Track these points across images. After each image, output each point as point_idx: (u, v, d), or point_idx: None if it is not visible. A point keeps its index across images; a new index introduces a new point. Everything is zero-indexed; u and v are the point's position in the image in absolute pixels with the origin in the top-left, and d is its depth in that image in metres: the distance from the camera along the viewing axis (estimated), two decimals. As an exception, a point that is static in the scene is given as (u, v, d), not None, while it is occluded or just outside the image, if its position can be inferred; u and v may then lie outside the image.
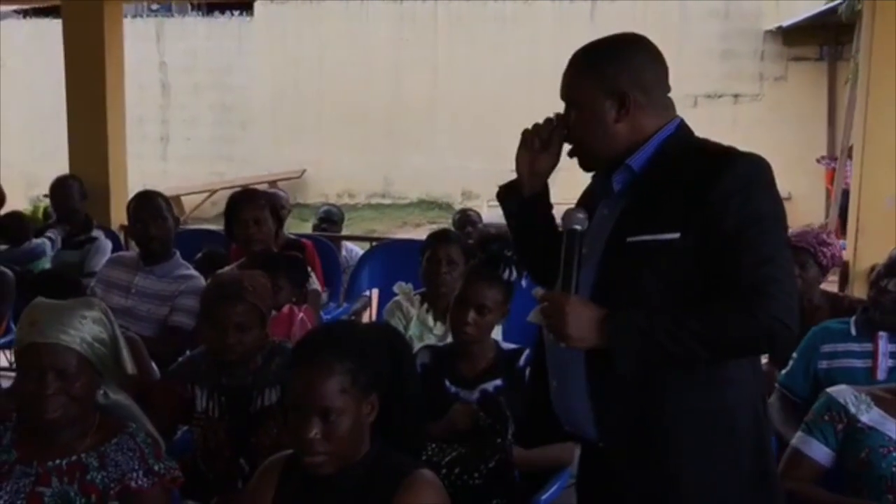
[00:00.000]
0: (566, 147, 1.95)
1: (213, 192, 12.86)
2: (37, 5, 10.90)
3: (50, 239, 5.10)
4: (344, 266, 5.13)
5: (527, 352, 2.76)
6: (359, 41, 13.27)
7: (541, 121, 1.98)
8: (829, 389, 2.49)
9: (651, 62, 1.85)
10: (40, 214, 8.01)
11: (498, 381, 2.69)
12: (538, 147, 1.96)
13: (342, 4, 13.20)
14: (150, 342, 3.34)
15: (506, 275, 2.74)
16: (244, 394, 2.62)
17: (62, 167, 6.04)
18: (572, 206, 1.88)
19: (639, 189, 1.82)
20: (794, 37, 12.19)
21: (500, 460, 2.51)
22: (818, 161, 11.48)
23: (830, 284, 4.34)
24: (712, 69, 12.22)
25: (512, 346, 2.83)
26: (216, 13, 14.20)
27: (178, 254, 3.83)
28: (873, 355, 2.84)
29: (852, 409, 2.40)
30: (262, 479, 1.96)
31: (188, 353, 3.04)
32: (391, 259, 4.73)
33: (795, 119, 12.03)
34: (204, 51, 14.02)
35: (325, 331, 2.07)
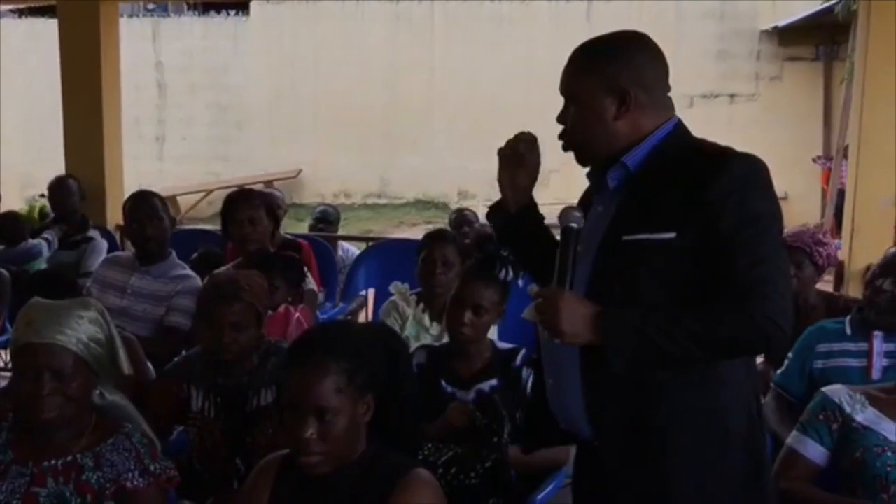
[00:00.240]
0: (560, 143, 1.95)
1: (210, 191, 12.86)
2: (32, 4, 10.89)
3: (46, 240, 5.10)
4: (340, 266, 5.13)
5: (523, 351, 2.77)
6: (355, 41, 13.27)
7: (529, 130, 2.00)
8: (824, 389, 2.50)
9: (652, 61, 1.85)
10: (36, 214, 8.00)
11: (494, 381, 2.70)
12: (515, 163, 1.96)
13: (338, 4, 13.19)
14: (146, 342, 3.34)
15: (502, 275, 2.74)
16: (240, 394, 2.62)
17: (58, 167, 6.04)
18: (568, 204, 1.88)
19: (634, 187, 1.82)
20: (789, 37, 12.22)
21: (496, 460, 2.52)
22: (814, 161, 11.51)
23: (826, 284, 4.36)
24: (708, 69, 12.25)
25: (508, 345, 2.83)
26: (212, 13, 14.18)
27: (174, 254, 3.83)
28: (868, 355, 2.84)
29: (847, 409, 2.40)
30: (258, 478, 1.96)
31: (184, 353, 3.04)
32: (387, 259, 4.73)
33: (791, 119, 12.06)
34: (200, 50, 14.01)
35: (320, 330, 2.07)
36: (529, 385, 2.69)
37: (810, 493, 2.38)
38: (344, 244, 5.77)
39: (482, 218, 6.84)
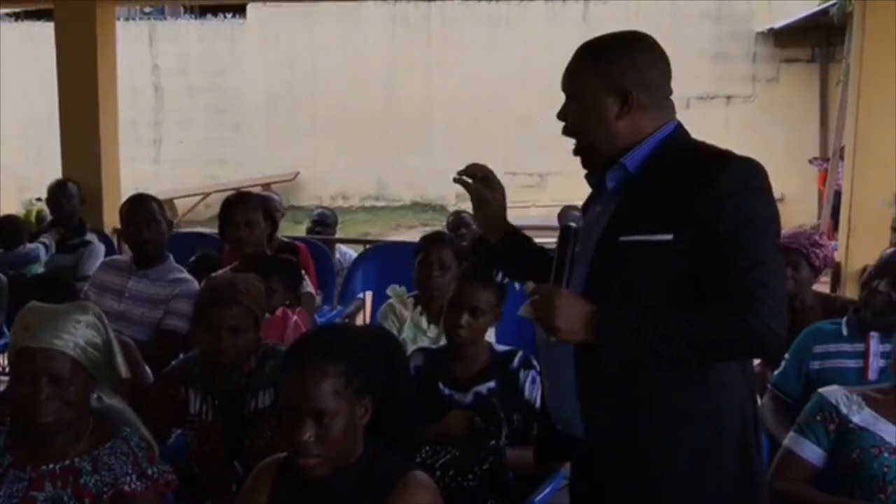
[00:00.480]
0: (569, 143, 1.95)
1: (207, 194, 12.85)
2: (29, 8, 10.88)
3: (44, 244, 5.10)
4: (338, 269, 5.13)
5: (520, 353, 2.77)
6: (352, 43, 13.27)
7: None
8: (820, 390, 2.50)
9: (656, 62, 1.85)
10: (33, 218, 7.99)
11: (491, 384, 2.70)
12: (479, 205, 2.01)
13: (335, 6, 13.18)
14: (143, 346, 3.34)
15: (499, 277, 2.75)
16: (238, 396, 2.62)
17: (55, 171, 6.04)
18: (567, 204, 1.88)
19: (633, 188, 1.82)
20: (785, 38, 12.24)
21: (494, 462, 2.52)
22: (810, 162, 11.53)
23: (823, 285, 4.36)
24: (704, 71, 12.26)
25: (505, 347, 2.84)
26: (209, 16, 14.17)
27: (171, 257, 3.83)
28: (865, 356, 2.85)
29: (844, 410, 2.41)
30: (256, 481, 1.97)
31: (182, 356, 3.04)
32: (385, 262, 4.73)
33: (787, 120, 12.08)
34: (197, 53, 14.00)
35: (318, 333, 2.08)
36: (527, 389, 2.70)
37: (807, 494, 2.39)
38: (341, 247, 5.77)
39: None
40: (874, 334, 2.86)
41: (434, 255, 3.46)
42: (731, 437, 1.81)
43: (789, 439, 2.47)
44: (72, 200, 5.31)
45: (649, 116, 1.84)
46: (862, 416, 2.39)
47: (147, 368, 3.20)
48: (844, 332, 2.92)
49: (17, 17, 13.62)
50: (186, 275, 3.80)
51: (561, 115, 1.90)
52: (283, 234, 4.74)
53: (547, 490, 2.60)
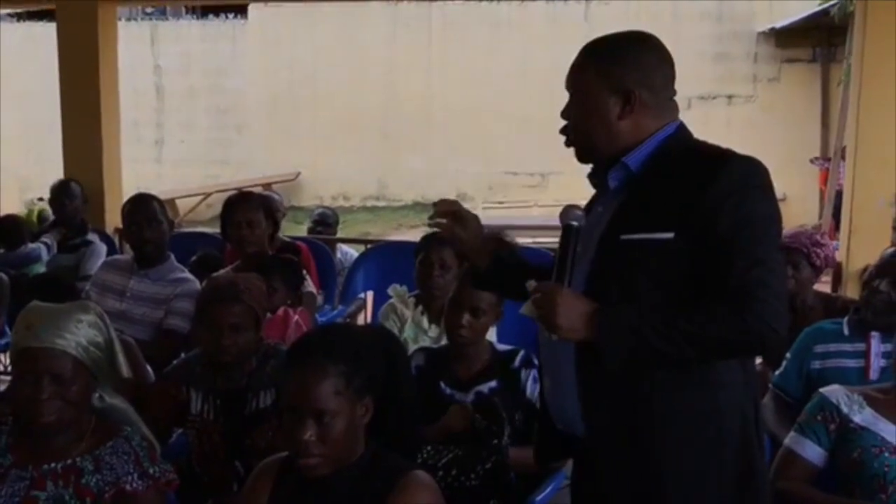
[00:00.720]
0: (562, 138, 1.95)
1: (208, 195, 12.85)
2: (31, 8, 10.89)
3: (46, 243, 5.10)
4: (339, 268, 5.14)
5: (521, 353, 2.77)
6: (353, 44, 13.27)
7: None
8: (821, 389, 2.50)
9: (660, 63, 1.86)
10: (35, 218, 8.00)
11: (493, 383, 2.71)
12: (455, 239, 2.03)
13: (336, 7, 13.18)
14: (145, 345, 3.35)
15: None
16: (239, 396, 2.62)
17: (57, 171, 6.04)
18: (569, 203, 1.89)
19: (635, 188, 1.83)
20: (786, 38, 12.24)
21: (496, 462, 2.52)
22: (812, 162, 11.52)
23: (824, 285, 4.36)
24: (706, 71, 12.26)
25: (507, 347, 2.84)
26: (210, 16, 14.18)
27: (172, 257, 3.84)
28: (866, 355, 2.85)
29: (845, 409, 2.41)
30: (257, 481, 1.97)
31: (183, 355, 3.04)
32: (386, 261, 4.73)
33: (789, 120, 12.08)
34: (198, 54, 14.01)
35: (319, 333, 2.08)
36: (528, 388, 2.70)
37: (808, 494, 2.39)
38: (343, 247, 5.77)
39: (481, 220, 6.84)
40: (875, 334, 2.86)
41: (434, 255, 3.46)
42: (732, 437, 1.81)
43: (790, 439, 2.47)
44: (74, 200, 5.32)
45: (652, 116, 1.84)
46: (863, 415, 2.39)
47: (148, 368, 3.20)
48: (845, 331, 2.92)
49: (18, 17, 13.63)
50: (188, 274, 3.81)
51: (564, 114, 1.91)
52: (284, 234, 4.75)
53: (548, 489, 2.60)
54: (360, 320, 4.81)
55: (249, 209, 3.93)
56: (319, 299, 4.35)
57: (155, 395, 2.73)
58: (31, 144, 12.90)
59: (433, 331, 3.42)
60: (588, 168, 1.97)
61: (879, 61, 4.70)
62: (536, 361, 2.56)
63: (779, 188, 1.84)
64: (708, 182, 1.72)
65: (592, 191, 2.00)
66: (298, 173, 13.55)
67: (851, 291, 4.52)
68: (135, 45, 12.73)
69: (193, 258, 4.37)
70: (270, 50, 13.77)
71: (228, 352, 2.61)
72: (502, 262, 2.09)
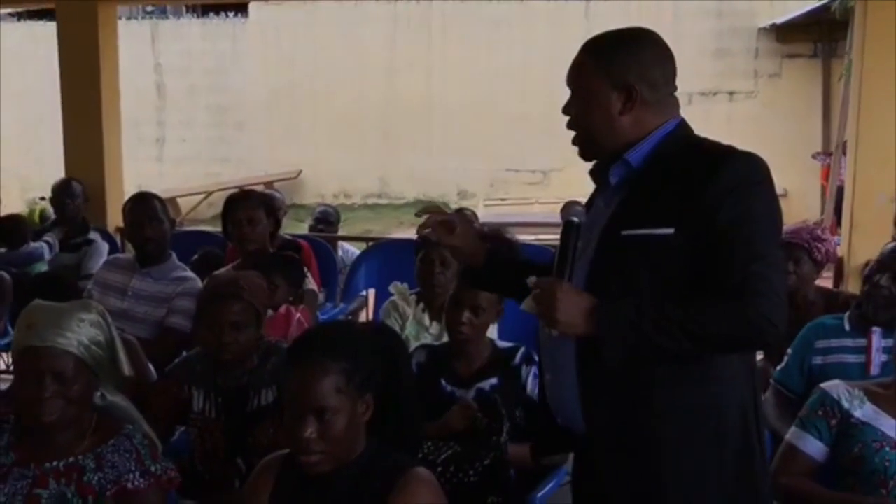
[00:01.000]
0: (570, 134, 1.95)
1: (209, 193, 12.86)
2: (31, 7, 10.89)
3: (48, 242, 5.11)
4: (340, 266, 5.14)
5: (522, 349, 2.78)
6: (353, 42, 13.27)
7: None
8: (822, 385, 2.50)
9: (661, 59, 1.86)
10: (37, 217, 8.00)
11: (494, 380, 2.71)
12: (444, 242, 2.03)
13: (336, 5, 13.19)
14: (146, 344, 3.35)
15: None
16: (240, 394, 2.63)
17: (58, 170, 6.05)
18: (570, 199, 1.89)
19: (636, 184, 1.83)
20: (787, 34, 12.23)
21: (495, 458, 2.53)
22: (813, 157, 11.51)
23: (825, 281, 4.36)
24: (707, 67, 12.25)
25: (507, 344, 2.84)
26: (211, 15, 14.18)
27: (174, 255, 3.84)
28: (867, 351, 2.85)
29: (845, 405, 2.41)
30: (258, 478, 1.97)
31: (185, 354, 3.04)
32: (387, 259, 4.73)
33: (790, 116, 12.07)
34: (199, 52, 14.01)
35: (320, 330, 2.08)
36: (529, 384, 2.71)
37: (809, 489, 2.39)
38: (344, 244, 5.78)
39: (482, 217, 6.85)
40: (876, 329, 2.86)
41: (435, 253, 3.46)
42: (732, 433, 1.82)
43: (791, 434, 2.47)
44: (76, 199, 5.33)
45: (653, 112, 1.84)
46: (863, 410, 2.40)
47: (150, 366, 3.21)
48: (846, 327, 2.92)
49: (18, 16, 13.64)
50: (189, 273, 3.81)
51: (565, 110, 1.91)
52: (285, 232, 4.75)
53: (549, 486, 2.60)
54: (362, 318, 4.82)
55: (250, 207, 3.94)
56: (321, 297, 4.36)
57: (156, 394, 2.74)
58: (31, 144, 12.92)
59: (434, 328, 3.43)
60: (589, 164, 1.97)
61: (880, 57, 4.69)
62: (537, 358, 2.57)
63: (780, 184, 1.84)
64: (709, 178, 1.73)
65: (593, 187, 2.00)
66: (300, 171, 13.56)
67: (853, 287, 4.51)
68: (135, 44, 12.72)
69: (195, 256, 4.38)
70: (271, 48, 13.77)
71: (229, 350, 2.61)
72: (498, 260, 2.09)
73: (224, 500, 2.52)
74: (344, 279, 4.93)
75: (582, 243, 1.83)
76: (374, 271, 4.77)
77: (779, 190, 1.81)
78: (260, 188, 9.34)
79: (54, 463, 2.05)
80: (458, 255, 2.09)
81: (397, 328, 3.38)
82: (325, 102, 13.43)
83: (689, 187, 1.74)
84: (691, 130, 1.89)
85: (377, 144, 13.40)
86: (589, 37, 1.91)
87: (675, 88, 1.89)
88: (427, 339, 3.33)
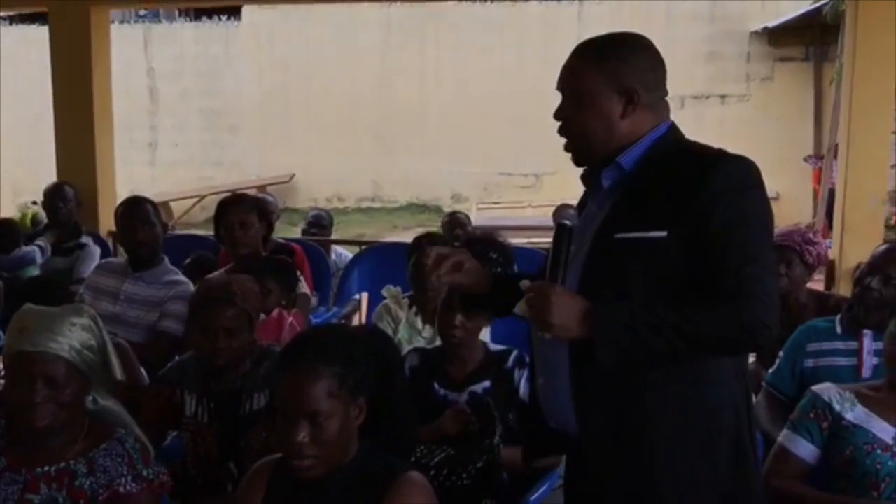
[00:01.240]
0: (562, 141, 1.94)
1: (202, 197, 12.84)
2: (24, 11, 10.87)
3: (40, 247, 5.09)
4: (333, 270, 5.14)
5: (515, 353, 2.78)
6: (347, 45, 13.27)
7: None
8: (813, 387, 2.51)
9: (655, 63, 1.87)
10: (28, 222, 7.98)
11: (486, 383, 2.71)
12: (455, 283, 1.97)
13: (329, 9, 13.18)
14: (139, 348, 3.34)
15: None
16: (233, 398, 2.62)
17: (50, 174, 6.03)
18: (562, 203, 1.89)
19: (628, 187, 1.84)
20: (779, 37, 12.27)
21: (488, 461, 2.53)
22: (805, 160, 11.54)
23: (817, 284, 4.38)
24: (699, 70, 12.28)
25: (500, 347, 2.85)
26: (203, 18, 14.16)
27: (166, 259, 3.83)
28: (858, 353, 2.85)
29: (837, 407, 2.42)
30: (251, 482, 1.97)
31: (177, 358, 3.04)
32: (380, 262, 4.74)
33: (782, 119, 12.10)
34: (192, 56, 13.99)
35: (312, 334, 2.08)
36: (522, 388, 2.71)
37: (801, 491, 2.40)
38: (337, 248, 5.78)
39: (475, 221, 6.85)
40: (867, 332, 2.86)
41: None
42: (725, 434, 1.83)
43: (783, 437, 2.48)
44: (68, 203, 5.32)
45: (648, 116, 1.85)
46: (855, 413, 2.40)
47: (142, 371, 3.20)
48: (838, 329, 2.93)
49: (11, 20, 13.60)
50: (182, 277, 3.80)
51: (559, 114, 1.89)
52: (278, 236, 4.75)
53: (542, 489, 2.60)
54: (355, 321, 4.81)
55: (243, 210, 3.93)
56: (314, 301, 4.36)
57: (148, 398, 2.73)
58: (24, 147, 12.87)
59: (427, 331, 3.43)
60: (581, 168, 1.97)
61: (871, 60, 4.72)
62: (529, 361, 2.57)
63: (772, 187, 1.85)
64: (701, 181, 1.74)
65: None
66: (293, 175, 13.54)
67: (844, 290, 4.53)
68: (128, 48, 12.70)
69: (187, 260, 4.37)
70: (264, 52, 13.76)
71: (223, 355, 2.61)
72: (498, 287, 2.03)
73: (216, 504, 2.52)
74: (337, 283, 4.93)
75: (574, 247, 1.83)
76: (367, 275, 4.77)
77: (771, 193, 1.82)
78: (253, 192, 9.32)
79: (46, 468, 2.05)
80: (463, 289, 2.03)
81: (390, 332, 3.38)
82: (319, 106, 13.43)
83: (682, 190, 1.75)
84: (682, 134, 1.90)
85: (370, 148, 13.39)
86: (581, 40, 1.91)
87: (667, 93, 1.90)
88: (420, 343, 3.33)
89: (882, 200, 4.89)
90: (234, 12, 13.86)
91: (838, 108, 7.25)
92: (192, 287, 3.64)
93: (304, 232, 6.09)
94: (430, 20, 13.31)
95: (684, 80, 11.65)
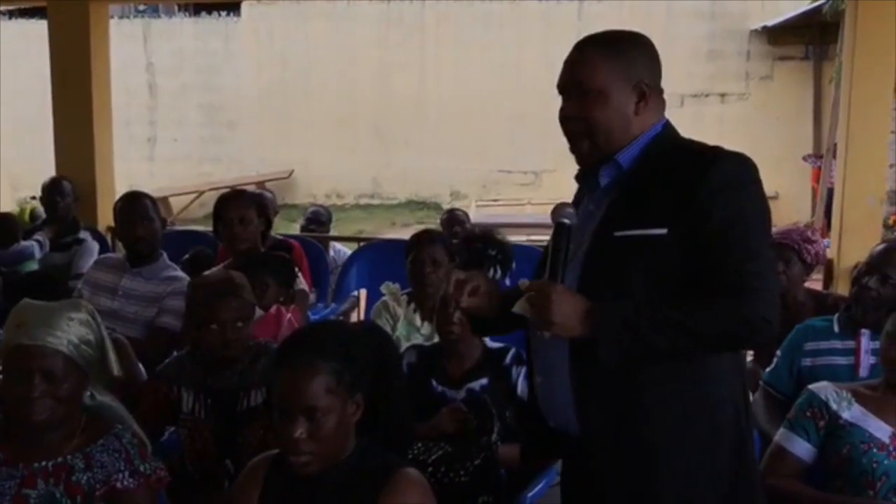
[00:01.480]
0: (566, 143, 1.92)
1: (201, 193, 12.83)
2: (23, 6, 10.85)
3: (38, 242, 5.09)
4: (332, 266, 5.14)
5: (513, 350, 2.78)
6: (346, 41, 13.27)
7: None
8: (810, 386, 2.51)
9: (656, 60, 1.88)
10: (27, 216, 7.97)
11: (484, 380, 2.72)
12: (476, 309, 1.94)
13: (329, 5, 13.18)
14: (136, 344, 3.34)
15: (490, 273, 2.76)
16: (230, 395, 2.62)
17: (49, 169, 6.02)
18: (561, 201, 1.88)
19: (625, 185, 1.83)
20: (779, 36, 12.27)
21: (485, 458, 2.53)
22: (804, 159, 11.55)
23: (815, 282, 4.38)
24: (698, 69, 12.29)
25: (498, 344, 2.85)
26: (203, 14, 14.15)
27: (164, 255, 3.83)
28: (856, 353, 2.85)
29: (833, 406, 2.42)
30: (247, 478, 1.97)
31: (175, 354, 3.04)
32: (379, 259, 4.73)
33: (781, 118, 12.11)
34: (191, 51, 13.98)
35: (310, 331, 2.09)
36: (520, 385, 2.71)
37: (797, 490, 2.40)
38: (336, 245, 5.77)
39: (474, 218, 6.85)
40: (865, 331, 2.86)
41: (425, 253, 3.47)
42: (726, 430, 1.83)
43: (780, 435, 2.48)
44: (66, 198, 5.31)
45: (654, 113, 1.86)
46: (851, 412, 2.41)
47: (140, 366, 3.20)
48: (836, 329, 2.93)
49: (10, 14, 13.59)
50: (180, 272, 3.80)
51: (570, 112, 1.85)
52: (277, 233, 4.75)
53: (540, 486, 2.61)
54: (354, 318, 4.81)
55: (242, 206, 3.93)
56: (312, 297, 4.35)
57: (146, 394, 2.74)
58: (23, 142, 12.85)
59: (426, 328, 3.43)
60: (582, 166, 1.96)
61: (870, 59, 4.71)
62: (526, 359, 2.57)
63: (771, 186, 1.86)
64: (700, 178, 1.74)
65: (585, 189, 1.99)
66: (292, 171, 13.54)
67: (842, 289, 4.52)
68: (127, 43, 12.70)
69: (186, 256, 4.37)
70: (263, 47, 13.76)
71: (234, 346, 2.62)
72: (509, 300, 1.95)
73: (213, 500, 2.52)
74: (335, 279, 4.93)
75: (573, 246, 1.82)
76: (366, 272, 4.76)
77: (770, 192, 1.82)
78: (252, 188, 9.33)
79: (43, 463, 2.05)
80: (477, 311, 1.97)
81: (388, 328, 3.38)
82: (318, 102, 13.42)
83: (681, 187, 1.75)
84: (676, 132, 1.90)
85: (369, 145, 13.40)
86: (581, 38, 1.89)
87: (663, 90, 1.90)
88: (418, 340, 3.33)
89: (880, 200, 4.88)
90: (234, 8, 13.86)
91: (837, 107, 7.24)
92: (190, 282, 3.64)
93: (303, 228, 6.08)
94: (430, 16, 13.31)
95: (684, 79, 11.67)
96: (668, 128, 1.88)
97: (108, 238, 5.60)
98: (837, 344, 2.89)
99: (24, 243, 5.01)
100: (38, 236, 5.12)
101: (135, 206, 3.79)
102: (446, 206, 9.67)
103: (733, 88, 12.62)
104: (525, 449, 2.15)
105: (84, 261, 4.87)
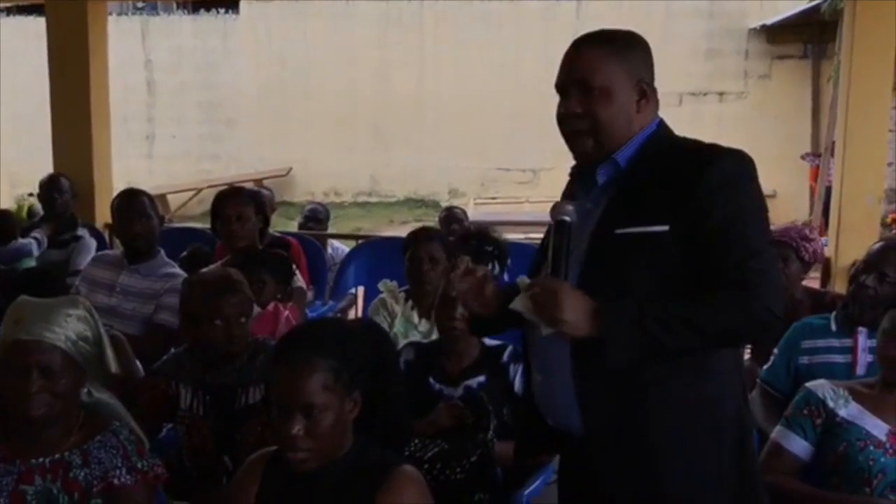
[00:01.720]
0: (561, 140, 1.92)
1: (199, 190, 12.83)
2: (21, 2, 10.84)
3: (36, 239, 5.08)
4: (330, 264, 5.14)
5: (510, 348, 2.78)
6: (345, 39, 13.26)
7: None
8: (807, 384, 2.52)
9: (651, 58, 1.88)
10: (24, 213, 7.97)
11: (482, 378, 2.72)
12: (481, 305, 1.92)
13: (328, 3, 13.18)
14: (134, 341, 3.34)
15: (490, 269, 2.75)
16: (228, 392, 2.63)
17: (47, 166, 6.02)
18: (559, 199, 1.88)
19: (624, 183, 1.83)
20: (777, 35, 12.28)
21: (482, 455, 2.53)
22: (802, 158, 11.56)
23: (812, 281, 4.38)
24: (697, 67, 12.29)
25: (495, 342, 2.85)
26: (201, 11, 14.14)
27: (162, 252, 3.83)
28: (853, 351, 2.86)
29: (830, 404, 2.43)
30: (245, 474, 1.97)
31: (172, 350, 3.04)
32: (377, 257, 4.74)
33: (780, 117, 12.12)
34: (189, 49, 13.97)
35: (307, 328, 2.08)
36: (517, 383, 2.71)
37: (794, 487, 2.41)
38: (334, 242, 5.78)
39: (472, 216, 6.85)
40: (862, 329, 2.86)
41: (422, 251, 3.47)
42: (729, 424, 1.83)
43: (777, 433, 2.49)
44: (64, 195, 5.31)
45: (651, 111, 1.86)
46: (848, 410, 2.41)
47: (138, 363, 3.20)
48: (833, 327, 2.93)
49: (8, 11, 13.57)
50: (178, 269, 3.80)
51: (573, 109, 1.83)
52: (275, 230, 4.75)
53: (536, 483, 2.61)
54: (351, 316, 4.81)
55: (239, 203, 3.93)
56: (310, 295, 4.36)
57: (143, 391, 2.74)
58: (21, 139, 12.84)
59: (423, 325, 3.43)
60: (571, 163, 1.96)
61: (868, 58, 4.71)
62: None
63: (769, 184, 1.86)
64: (698, 176, 1.74)
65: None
66: (290, 169, 13.54)
67: (840, 287, 4.53)
68: (125, 40, 12.68)
69: (184, 253, 4.37)
70: (262, 45, 13.75)
71: (237, 341, 2.63)
72: (506, 298, 1.95)
73: (211, 497, 2.52)
74: (333, 277, 4.93)
75: (571, 245, 1.82)
76: (364, 269, 4.77)
77: (768, 190, 1.83)
78: (250, 186, 9.30)
79: (40, 459, 2.05)
80: (475, 309, 1.96)
81: (386, 326, 3.39)
82: (316, 100, 13.42)
83: (680, 185, 1.75)
84: (671, 130, 1.90)
85: (368, 142, 13.39)
86: (597, 30, 1.89)
87: (657, 89, 1.90)
88: (416, 337, 3.33)
89: (878, 198, 4.89)
90: (232, 5, 13.85)
91: (836, 105, 7.26)
92: (189, 280, 3.63)
93: (301, 226, 6.09)
94: (428, 15, 13.30)
95: (682, 77, 11.67)
96: (662, 126, 1.88)
97: (106, 235, 5.60)
98: (835, 342, 2.90)
99: (21, 240, 5.01)
100: (35, 233, 5.12)
101: (132, 203, 3.79)
102: (444, 204, 9.67)
103: (732, 87, 12.63)
104: (519, 448, 2.14)
105: (82, 258, 4.87)
